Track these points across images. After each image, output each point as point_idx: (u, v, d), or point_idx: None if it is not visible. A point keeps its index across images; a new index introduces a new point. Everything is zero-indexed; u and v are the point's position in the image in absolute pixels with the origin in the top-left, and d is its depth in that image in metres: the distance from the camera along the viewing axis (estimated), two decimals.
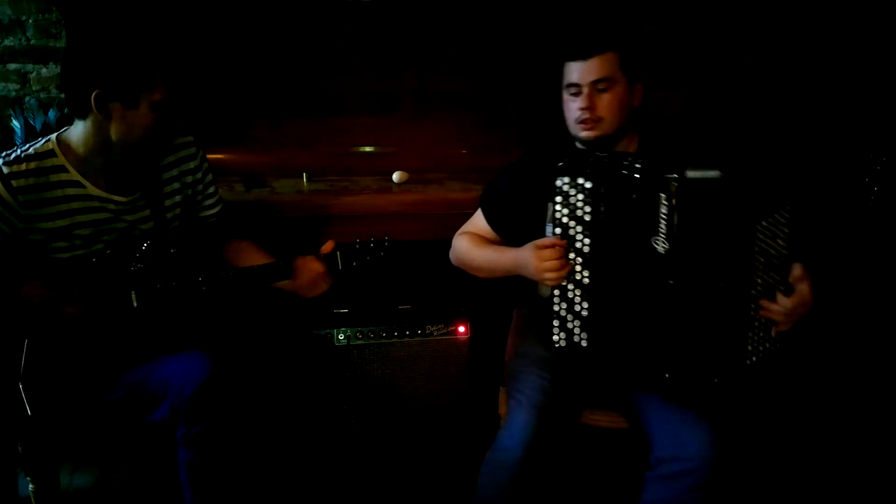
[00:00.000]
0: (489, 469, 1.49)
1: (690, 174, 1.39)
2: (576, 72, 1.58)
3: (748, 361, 1.44)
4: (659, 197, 1.39)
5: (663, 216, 1.40)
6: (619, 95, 1.56)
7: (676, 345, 1.44)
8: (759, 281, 1.41)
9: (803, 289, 1.42)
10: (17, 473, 1.71)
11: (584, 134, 1.59)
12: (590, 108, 1.56)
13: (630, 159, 1.43)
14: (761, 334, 1.45)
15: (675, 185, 1.38)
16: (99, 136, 1.45)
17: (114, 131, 1.44)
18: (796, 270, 1.43)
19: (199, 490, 1.60)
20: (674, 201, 1.39)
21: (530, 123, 2.36)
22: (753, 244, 1.39)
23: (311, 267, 1.60)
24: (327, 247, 1.62)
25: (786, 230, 1.41)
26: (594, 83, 1.56)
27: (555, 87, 1.67)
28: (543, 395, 1.50)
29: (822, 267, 1.57)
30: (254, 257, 1.68)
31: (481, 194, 1.78)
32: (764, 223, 1.39)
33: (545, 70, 2.34)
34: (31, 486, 1.69)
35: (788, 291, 1.42)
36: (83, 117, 1.45)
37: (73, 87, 1.41)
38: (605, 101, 1.56)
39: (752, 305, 1.42)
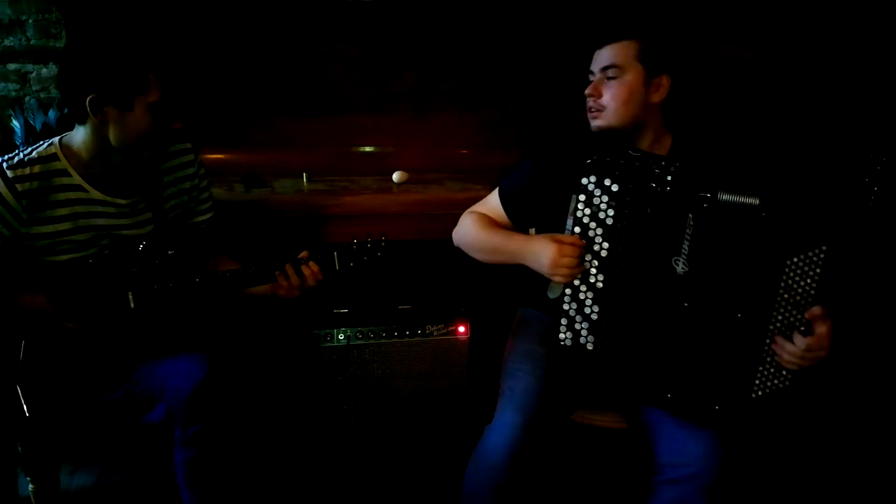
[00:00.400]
0: (475, 464, 1.49)
1: (724, 197, 1.32)
2: (594, 59, 1.55)
3: (753, 395, 1.42)
4: (687, 217, 1.34)
5: (688, 237, 1.34)
6: (627, 85, 1.49)
7: (682, 367, 1.42)
8: (780, 318, 1.37)
9: (821, 332, 1.36)
10: (17, 473, 1.71)
11: (592, 123, 1.55)
12: (593, 94, 1.52)
13: (663, 165, 1.36)
14: (772, 370, 1.41)
15: (706, 206, 1.32)
16: (98, 140, 1.46)
17: (111, 134, 1.44)
18: (815, 310, 1.36)
19: (196, 491, 1.60)
20: (702, 225, 1.33)
21: (530, 123, 2.37)
22: (780, 279, 1.33)
23: (294, 273, 1.58)
24: (303, 255, 1.60)
25: (818, 270, 1.34)
26: (603, 69, 1.51)
27: (555, 87, 1.65)
28: (534, 394, 1.49)
29: (849, 315, 1.51)
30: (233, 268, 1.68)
31: (501, 175, 1.71)
32: (796, 259, 1.33)
33: (545, 70, 2.36)
34: (31, 486, 1.69)
35: (808, 333, 1.37)
36: (82, 122, 1.45)
37: (69, 92, 1.42)
38: (611, 90, 1.50)
39: (768, 341, 1.39)
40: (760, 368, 1.41)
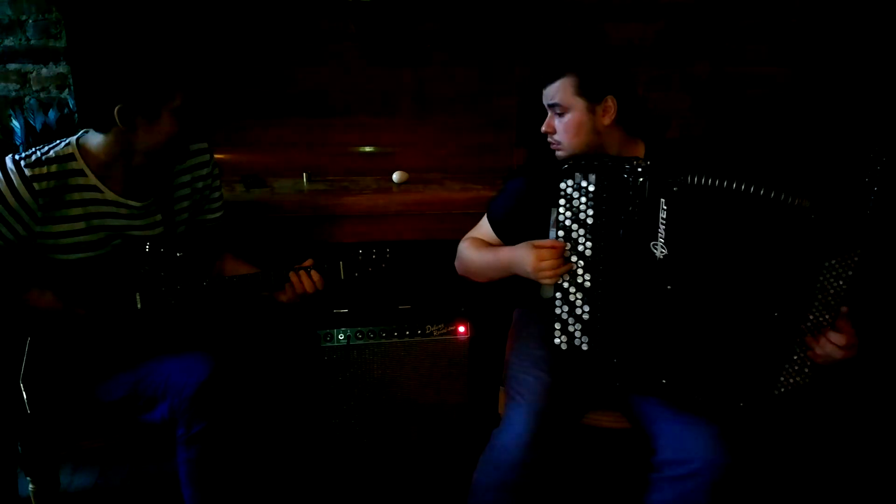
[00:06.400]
0: (485, 468, 1.49)
1: (693, 180, 1.35)
2: (543, 96, 1.61)
3: (776, 392, 1.42)
4: (659, 202, 1.38)
5: (662, 221, 1.38)
6: (574, 120, 1.55)
7: (678, 352, 1.43)
8: (811, 317, 1.37)
9: (851, 332, 1.38)
10: (17, 473, 1.71)
11: (556, 154, 1.61)
12: (548, 131, 1.60)
13: (634, 163, 1.41)
14: (796, 367, 1.42)
15: (676, 189, 1.36)
16: (121, 145, 1.48)
17: (139, 141, 1.46)
18: (843, 310, 1.38)
19: (198, 490, 1.60)
20: (675, 207, 1.36)
21: (530, 124, 2.36)
22: (817, 279, 1.33)
23: (298, 281, 1.60)
24: (308, 263, 1.63)
25: (850, 273, 1.35)
26: (551, 107, 1.59)
27: None
28: (543, 397, 1.49)
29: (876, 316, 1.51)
30: (240, 268, 1.71)
31: (488, 201, 1.77)
32: (833, 261, 1.33)
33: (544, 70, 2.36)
34: (31, 486, 1.69)
35: (835, 331, 1.38)
36: (105, 131, 1.47)
37: (94, 102, 1.43)
38: (561, 125, 1.58)
39: (798, 339, 1.39)
40: (786, 365, 1.41)
